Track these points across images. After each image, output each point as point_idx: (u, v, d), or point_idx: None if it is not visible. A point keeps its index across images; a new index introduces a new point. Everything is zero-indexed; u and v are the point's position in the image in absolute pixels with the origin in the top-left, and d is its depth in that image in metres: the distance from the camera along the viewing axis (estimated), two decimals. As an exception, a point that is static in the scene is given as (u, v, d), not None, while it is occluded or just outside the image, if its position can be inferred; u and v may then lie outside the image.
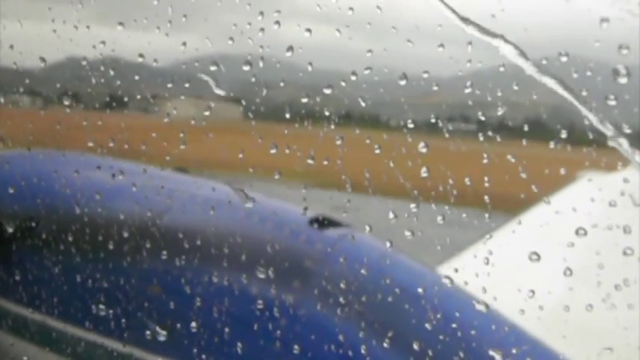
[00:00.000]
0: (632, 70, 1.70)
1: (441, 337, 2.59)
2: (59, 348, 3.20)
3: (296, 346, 2.67)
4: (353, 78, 2.24)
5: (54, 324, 3.20)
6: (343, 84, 2.31)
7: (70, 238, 3.20)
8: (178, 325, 2.91)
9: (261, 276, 2.84)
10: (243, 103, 2.71)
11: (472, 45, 2.10)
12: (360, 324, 2.75)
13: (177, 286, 2.98)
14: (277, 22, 2.30)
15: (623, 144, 1.80)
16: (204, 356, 2.84)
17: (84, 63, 2.96)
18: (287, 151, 2.43)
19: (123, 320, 3.00)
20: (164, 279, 3.04)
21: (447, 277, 2.78)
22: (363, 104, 2.28)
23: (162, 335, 2.91)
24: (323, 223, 3.14)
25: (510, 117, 2.08)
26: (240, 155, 2.58)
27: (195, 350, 2.87)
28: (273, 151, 2.42)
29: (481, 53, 2.15)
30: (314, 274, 2.92)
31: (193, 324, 2.86)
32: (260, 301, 2.80)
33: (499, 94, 2.05)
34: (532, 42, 2.27)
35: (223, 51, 2.57)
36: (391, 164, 2.23)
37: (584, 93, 1.92)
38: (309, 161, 2.29)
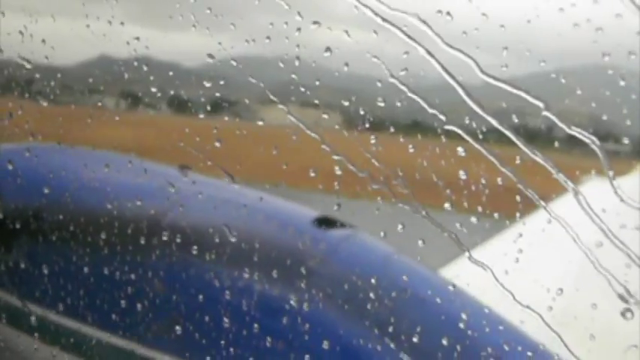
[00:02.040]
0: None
1: (442, 339, 2.63)
2: (62, 343, 3.22)
3: (298, 345, 2.71)
4: (389, 80, 2.28)
5: (56, 317, 3.22)
6: (379, 84, 2.35)
7: (78, 234, 3.23)
8: (180, 322, 2.94)
9: (265, 274, 2.88)
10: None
11: (508, 50, 2.15)
12: (363, 324, 2.78)
13: (181, 283, 3.01)
14: (316, 23, 2.34)
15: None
16: (205, 353, 2.88)
17: (117, 61, 3.00)
18: (320, 151, 2.47)
19: (126, 317, 3.04)
20: (169, 276, 3.07)
21: (451, 280, 2.83)
22: (398, 104, 2.32)
23: (165, 332, 2.95)
24: (327, 223, 3.17)
25: (543, 123, 2.12)
26: (275, 151, 2.62)
27: (196, 347, 2.90)
28: (308, 151, 2.47)
29: (517, 58, 2.19)
30: (317, 273, 2.94)
31: (195, 321, 2.89)
32: (263, 300, 2.84)
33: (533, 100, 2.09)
34: (566, 48, 2.32)
35: (259, 52, 2.61)
36: (424, 167, 2.28)
37: (618, 100, 1.97)
38: (344, 164, 2.34)
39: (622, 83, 1.95)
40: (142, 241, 3.11)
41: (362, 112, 2.36)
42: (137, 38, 2.85)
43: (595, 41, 2.01)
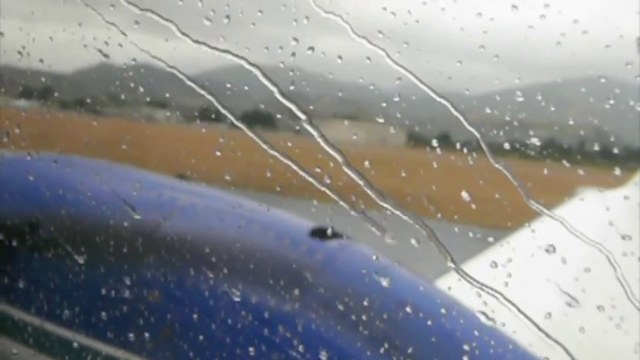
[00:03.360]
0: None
1: (437, 349, 2.64)
2: (57, 353, 3.22)
3: (293, 355, 2.72)
4: (387, 94, 2.30)
5: (53, 329, 3.22)
6: (371, 100, 2.37)
7: (71, 244, 3.23)
8: (176, 333, 2.95)
9: (261, 285, 2.89)
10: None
11: (497, 65, 2.18)
12: (358, 335, 2.79)
13: (177, 293, 3.02)
14: (310, 48, 2.36)
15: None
16: None
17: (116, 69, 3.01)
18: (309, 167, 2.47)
19: (120, 327, 3.04)
20: (165, 287, 3.07)
21: (446, 290, 2.84)
22: (391, 121, 2.34)
23: (160, 343, 2.95)
24: (323, 234, 3.17)
25: (534, 136, 2.15)
26: (269, 174, 2.63)
27: (192, 358, 2.91)
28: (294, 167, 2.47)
29: (507, 73, 2.22)
30: (313, 284, 2.95)
31: (192, 331, 2.90)
32: (259, 310, 2.85)
33: (523, 114, 2.12)
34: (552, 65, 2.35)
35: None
36: (416, 182, 2.30)
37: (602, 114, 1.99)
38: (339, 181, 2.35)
39: (611, 100, 1.97)
40: (137, 252, 3.11)
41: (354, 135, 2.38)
42: (135, 45, 2.85)
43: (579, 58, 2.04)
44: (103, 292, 3.11)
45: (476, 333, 2.58)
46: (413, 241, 2.28)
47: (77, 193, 3.40)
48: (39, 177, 3.48)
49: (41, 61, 3.20)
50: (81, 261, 3.17)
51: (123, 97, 3.20)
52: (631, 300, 2.14)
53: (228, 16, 2.55)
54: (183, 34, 2.49)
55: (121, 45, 2.94)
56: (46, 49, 3.22)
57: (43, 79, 3.33)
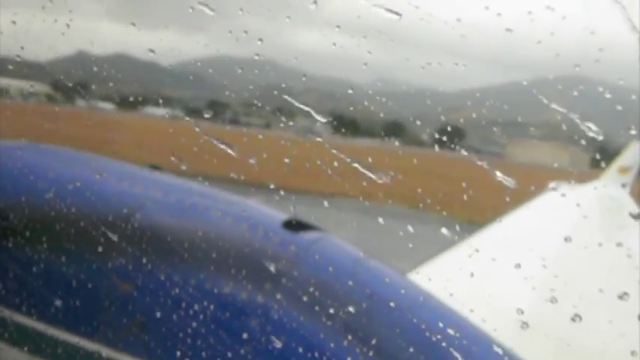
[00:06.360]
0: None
1: (408, 341, 2.66)
2: (25, 344, 3.10)
3: (265, 347, 2.69)
4: (369, 90, 2.36)
5: (20, 320, 3.10)
6: (359, 94, 2.43)
7: (45, 235, 3.14)
8: (148, 324, 2.88)
9: (234, 276, 2.86)
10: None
11: (484, 63, 2.28)
12: (330, 325, 2.78)
13: (149, 285, 2.96)
14: (297, 29, 2.41)
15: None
16: (172, 355, 2.83)
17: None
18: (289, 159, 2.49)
19: (90, 318, 2.96)
20: (136, 277, 3.01)
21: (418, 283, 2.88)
22: (378, 115, 2.40)
23: (131, 334, 2.87)
24: (297, 225, 3.18)
25: (514, 133, 2.24)
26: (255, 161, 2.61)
27: (163, 349, 2.85)
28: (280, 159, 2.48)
29: (493, 70, 2.33)
30: (286, 275, 2.93)
31: (163, 322, 2.84)
32: (231, 301, 2.81)
33: (508, 110, 2.20)
34: (537, 61, 2.47)
35: (236, 54, 2.65)
36: (400, 175, 2.35)
37: (588, 111, 2.11)
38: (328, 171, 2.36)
39: (592, 93, 2.08)
40: (110, 243, 3.04)
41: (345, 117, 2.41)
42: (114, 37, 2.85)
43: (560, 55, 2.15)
44: (73, 283, 3.02)
45: (446, 324, 2.61)
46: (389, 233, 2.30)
47: (48, 183, 3.32)
48: (8, 165, 3.39)
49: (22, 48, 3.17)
50: (49, 252, 3.08)
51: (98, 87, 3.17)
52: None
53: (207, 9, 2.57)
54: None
55: (98, 35, 2.94)
56: (22, 38, 3.19)
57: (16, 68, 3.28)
